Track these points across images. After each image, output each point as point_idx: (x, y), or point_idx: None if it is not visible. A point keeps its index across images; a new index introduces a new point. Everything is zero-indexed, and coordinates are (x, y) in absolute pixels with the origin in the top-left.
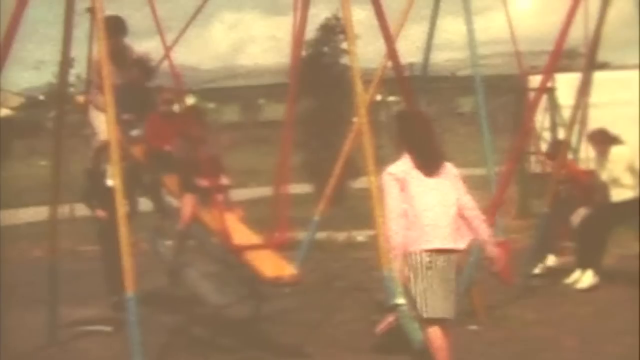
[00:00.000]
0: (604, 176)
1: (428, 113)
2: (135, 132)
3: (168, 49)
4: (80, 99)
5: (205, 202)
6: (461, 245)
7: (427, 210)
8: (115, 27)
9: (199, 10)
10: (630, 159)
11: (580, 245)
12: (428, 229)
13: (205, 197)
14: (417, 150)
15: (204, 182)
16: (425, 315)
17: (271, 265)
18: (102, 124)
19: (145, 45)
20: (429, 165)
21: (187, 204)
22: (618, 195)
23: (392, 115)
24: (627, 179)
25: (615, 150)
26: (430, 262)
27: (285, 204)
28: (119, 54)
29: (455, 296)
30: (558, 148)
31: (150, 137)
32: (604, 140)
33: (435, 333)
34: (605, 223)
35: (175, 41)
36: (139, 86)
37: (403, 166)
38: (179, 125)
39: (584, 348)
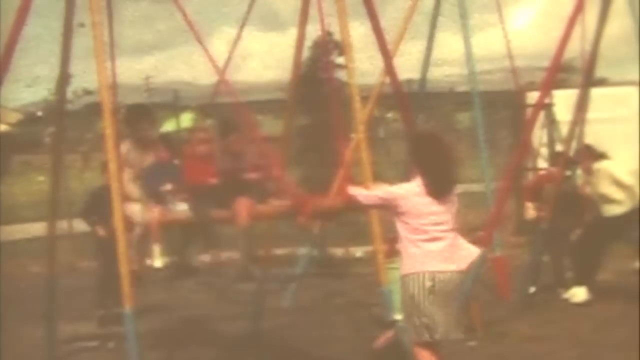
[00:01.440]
0: (591, 192)
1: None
2: (181, 206)
3: (221, 72)
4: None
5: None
6: (462, 265)
7: (430, 233)
8: (141, 115)
9: None
10: (614, 174)
11: (575, 261)
12: (431, 252)
13: (260, 194)
14: (430, 175)
15: (254, 176)
16: (435, 337)
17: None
18: (136, 212)
19: (145, 62)
20: (441, 191)
21: (240, 206)
22: (608, 211)
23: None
24: (616, 194)
25: (599, 166)
26: (432, 285)
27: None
28: (145, 139)
29: (460, 315)
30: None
31: (191, 176)
32: (589, 156)
33: (425, 355)
34: (597, 239)
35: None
36: (168, 163)
37: (414, 188)
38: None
39: None
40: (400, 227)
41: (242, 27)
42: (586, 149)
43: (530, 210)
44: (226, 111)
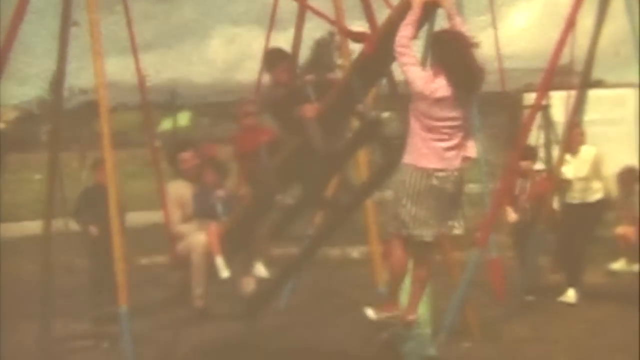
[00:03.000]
0: (572, 174)
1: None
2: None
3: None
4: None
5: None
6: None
7: (442, 133)
8: (183, 147)
9: None
10: (596, 159)
11: (563, 264)
12: (437, 150)
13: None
14: (456, 72)
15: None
16: (412, 231)
17: None
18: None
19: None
20: (467, 87)
21: (305, 108)
22: (586, 196)
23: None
24: (594, 180)
25: (584, 149)
26: (430, 182)
27: None
28: (189, 171)
29: (458, 214)
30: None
31: (244, 144)
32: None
33: (400, 255)
34: (577, 241)
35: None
36: (213, 186)
37: (439, 85)
38: (267, 134)
39: None
40: (413, 119)
41: None
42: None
43: (511, 214)
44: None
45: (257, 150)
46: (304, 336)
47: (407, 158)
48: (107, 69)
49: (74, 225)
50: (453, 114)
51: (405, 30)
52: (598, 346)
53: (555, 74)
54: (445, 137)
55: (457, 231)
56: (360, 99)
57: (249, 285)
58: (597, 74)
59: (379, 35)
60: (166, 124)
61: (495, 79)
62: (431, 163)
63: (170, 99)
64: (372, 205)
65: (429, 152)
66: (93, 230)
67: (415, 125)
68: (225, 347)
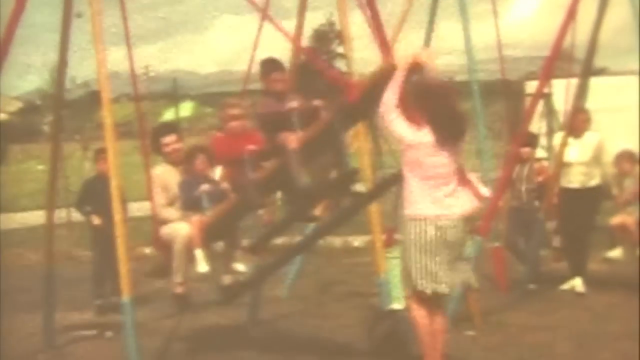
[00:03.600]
0: (574, 158)
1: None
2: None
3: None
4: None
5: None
6: (464, 209)
7: (436, 179)
8: (167, 131)
9: None
10: (599, 145)
11: (566, 253)
12: (434, 197)
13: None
14: (439, 123)
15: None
16: (422, 287)
17: None
18: (178, 230)
19: (145, 51)
20: (451, 137)
21: (286, 136)
22: (586, 181)
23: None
24: (595, 165)
25: (588, 134)
26: (434, 231)
27: None
28: (174, 156)
29: (465, 266)
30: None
31: (226, 150)
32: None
33: (421, 314)
34: (579, 228)
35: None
36: (202, 174)
37: (423, 137)
38: (253, 137)
39: (581, 353)
40: (407, 172)
41: None
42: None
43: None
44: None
45: (242, 158)
46: (306, 325)
47: (409, 211)
48: (110, 59)
49: (77, 216)
50: (445, 159)
51: (390, 97)
52: (601, 334)
53: (558, 60)
54: (442, 183)
55: (474, 284)
56: (342, 139)
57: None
58: (600, 61)
59: (363, 89)
60: (168, 115)
61: (497, 68)
62: (432, 211)
63: (173, 89)
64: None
65: (428, 200)
66: (95, 220)
67: (410, 177)
68: (227, 336)
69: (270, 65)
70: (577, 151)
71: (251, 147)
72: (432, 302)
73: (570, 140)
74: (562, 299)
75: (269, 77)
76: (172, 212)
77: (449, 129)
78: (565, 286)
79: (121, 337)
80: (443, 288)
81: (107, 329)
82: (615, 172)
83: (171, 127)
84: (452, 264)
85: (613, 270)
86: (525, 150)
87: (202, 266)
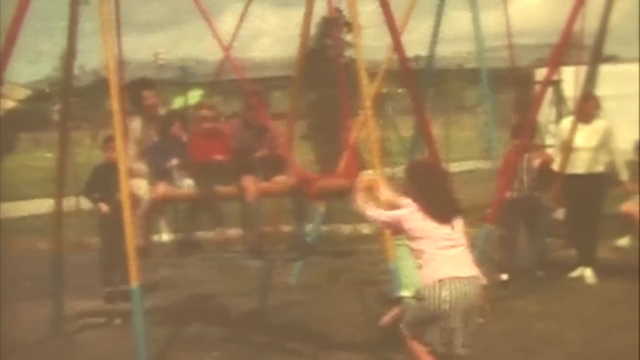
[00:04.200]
0: (581, 144)
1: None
2: (187, 182)
3: (226, 48)
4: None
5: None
6: (478, 274)
7: (441, 246)
8: (144, 89)
9: None
10: (606, 131)
11: (574, 242)
12: (447, 260)
13: (263, 172)
14: (430, 203)
15: (258, 157)
16: (435, 349)
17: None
18: (142, 189)
19: (155, 38)
20: (442, 217)
21: (247, 182)
22: (593, 167)
23: (405, 168)
24: (601, 152)
25: (598, 121)
26: (449, 293)
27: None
28: (149, 114)
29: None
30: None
31: (196, 154)
32: (592, 108)
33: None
34: (586, 216)
35: (232, 38)
36: (175, 139)
37: (416, 211)
38: (225, 139)
39: (588, 341)
40: (416, 247)
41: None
42: (593, 99)
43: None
44: (237, 88)
45: (208, 163)
46: (315, 312)
47: (423, 280)
48: (120, 47)
49: (85, 203)
50: (439, 230)
51: (378, 218)
52: (609, 321)
53: (569, 49)
54: (449, 245)
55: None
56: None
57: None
58: (609, 49)
59: (319, 190)
60: (178, 102)
61: (507, 55)
62: (447, 273)
63: (182, 77)
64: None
65: (440, 263)
66: (103, 207)
67: (420, 250)
68: (236, 323)
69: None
70: (584, 137)
71: (218, 157)
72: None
73: (578, 125)
74: (570, 287)
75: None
76: (141, 166)
77: (439, 213)
78: (574, 274)
79: (130, 325)
80: (460, 349)
81: (116, 317)
82: (634, 160)
83: (150, 83)
84: (465, 324)
85: (621, 258)
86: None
87: (164, 236)
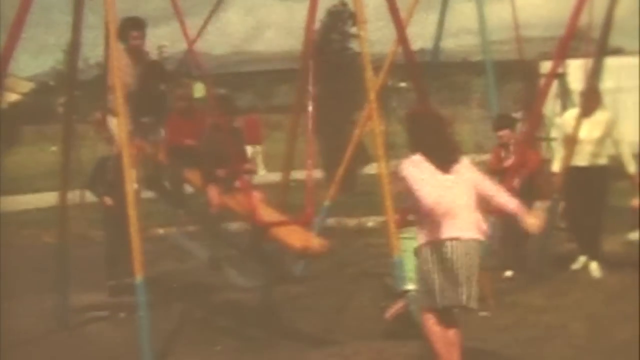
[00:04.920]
0: (584, 136)
1: (439, 111)
2: (152, 137)
3: (190, 41)
4: (98, 115)
5: (228, 188)
6: (479, 236)
7: (443, 203)
8: (133, 26)
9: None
10: (609, 123)
11: (575, 235)
12: (445, 220)
13: (228, 184)
14: (431, 151)
15: (223, 173)
16: (440, 303)
17: (299, 237)
18: (114, 128)
19: (161, 31)
20: (444, 164)
21: (213, 192)
22: (596, 160)
23: (403, 116)
24: (604, 144)
25: (600, 113)
26: (450, 252)
27: (310, 184)
28: (136, 50)
29: (475, 285)
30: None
31: (170, 134)
32: (594, 99)
33: (435, 325)
34: (590, 210)
35: (200, 30)
36: (155, 91)
37: (418, 162)
38: (200, 120)
39: (594, 334)
40: (418, 201)
41: None
42: (592, 92)
43: None
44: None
45: (180, 147)
46: (320, 305)
47: (422, 238)
48: None
49: (90, 197)
50: (443, 177)
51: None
52: (614, 314)
53: (575, 42)
54: (451, 199)
55: (473, 305)
56: None
57: None
58: (617, 41)
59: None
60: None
61: (513, 48)
62: (445, 233)
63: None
64: (387, 176)
65: (440, 223)
66: (107, 201)
67: (421, 207)
68: (240, 316)
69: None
70: (586, 129)
71: (189, 141)
72: (446, 316)
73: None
74: (575, 280)
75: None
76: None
77: (440, 153)
78: (576, 266)
79: (134, 318)
80: (459, 302)
81: (121, 310)
82: None
83: (141, 24)
84: (467, 280)
85: (626, 251)
86: (504, 132)
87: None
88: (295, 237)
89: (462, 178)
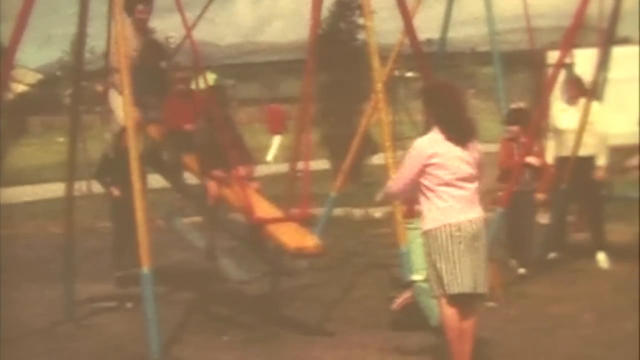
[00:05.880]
0: (566, 125)
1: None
2: (152, 114)
3: (188, 28)
4: (100, 87)
5: (225, 180)
6: (482, 213)
7: (455, 181)
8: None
9: None
10: (594, 113)
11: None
12: (456, 202)
13: (225, 175)
14: (449, 125)
15: (220, 172)
16: (452, 290)
17: (295, 236)
18: (121, 109)
19: (168, 21)
20: (460, 137)
21: (211, 184)
22: (580, 150)
23: (418, 90)
24: (589, 134)
25: (583, 102)
26: (460, 235)
27: (307, 179)
28: (140, 22)
29: (485, 268)
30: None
31: (169, 117)
32: (578, 88)
33: (451, 312)
34: (585, 200)
35: (197, 20)
36: (155, 68)
37: (433, 139)
38: (198, 104)
39: (601, 324)
40: (425, 181)
41: None
42: (577, 81)
43: None
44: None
45: (178, 131)
46: (327, 295)
47: (428, 223)
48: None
49: (98, 187)
50: (457, 154)
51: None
52: (621, 304)
53: (584, 31)
54: (459, 188)
55: (481, 290)
56: None
57: None
58: (625, 31)
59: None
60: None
61: (521, 38)
62: (452, 217)
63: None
64: (394, 166)
65: (447, 207)
66: (115, 192)
67: (428, 187)
68: (247, 307)
69: (222, 92)
70: (570, 119)
71: (188, 126)
72: (462, 302)
73: (565, 107)
74: (582, 270)
75: (135, 9)
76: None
77: (458, 130)
78: (552, 255)
79: (141, 309)
80: (471, 288)
81: (128, 301)
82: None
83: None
84: (475, 263)
85: (635, 241)
86: (515, 128)
87: None
88: (290, 235)
89: (472, 156)
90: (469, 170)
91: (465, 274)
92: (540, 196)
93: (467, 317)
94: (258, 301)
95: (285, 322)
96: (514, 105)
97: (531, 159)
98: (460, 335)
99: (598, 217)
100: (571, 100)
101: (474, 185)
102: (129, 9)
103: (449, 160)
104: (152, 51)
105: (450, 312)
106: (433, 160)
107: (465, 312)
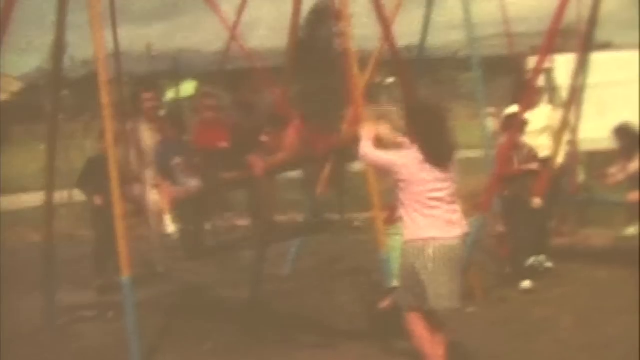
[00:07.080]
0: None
1: (440, 105)
2: (193, 182)
3: (234, 31)
4: None
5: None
6: (463, 230)
7: (432, 200)
8: (146, 89)
9: None
10: (549, 118)
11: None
12: (432, 219)
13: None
14: (427, 146)
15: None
16: (433, 305)
17: None
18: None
19: (151, 29)
20: (440, 160)
21: (253, 159)
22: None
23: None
24: (544, 138)
25: (542, 107)
26: (433, 252)
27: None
28: (150, 115)
29: (459, 284)
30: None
31: (200, 140)
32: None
33: (418, 323)
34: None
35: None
36: (176, 140)
37: (414, 156)
38: (226, 128)
39: (583, 328)
40: (402, 194)
41: None
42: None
43: None
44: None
45: (212, 151)
46: (308, 302)
47: (408, 234)
48: (111, 39)
49: (78, 195)
50: (440, 178)
51: (366, 148)
52: (602, 307)
53: (561, 37)
54: (438, 204)
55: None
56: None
57: None
58: (605, 36)
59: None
60: (170, 94)
61: (501, 43)
62: (431, 232)
63: (174, 68)
64: (374, 173)
65: (427, 222)
66: (97, 200)
67: (407, 201)
68: (229, 314)
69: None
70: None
71: (223, 144)
72: (431, 318)
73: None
74: (563, 274)
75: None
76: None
77: (437, 153)
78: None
79: (123, 317)
80: (446, 305)
81: (109, 309)
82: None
83: (153, 84)
84: (447, 281)
85: (616, 246)
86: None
87: (170, 228)
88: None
89: (450, 175)
90: (446, 190)
91: (440, 290)
92: (537, 201)
93: (436, 328)
94: (240, 308)
95: (266, 329)
96: (509, 111)
97: (533, 165)
98: (432, 342)
99: (545, 220)
100: (530, 106)
101: (451, 207)
102: (136, 104)
103: (425, 180)
104: (170, 131)
105: (418, 325)
106: (404, 177)
107: (434, 323)
